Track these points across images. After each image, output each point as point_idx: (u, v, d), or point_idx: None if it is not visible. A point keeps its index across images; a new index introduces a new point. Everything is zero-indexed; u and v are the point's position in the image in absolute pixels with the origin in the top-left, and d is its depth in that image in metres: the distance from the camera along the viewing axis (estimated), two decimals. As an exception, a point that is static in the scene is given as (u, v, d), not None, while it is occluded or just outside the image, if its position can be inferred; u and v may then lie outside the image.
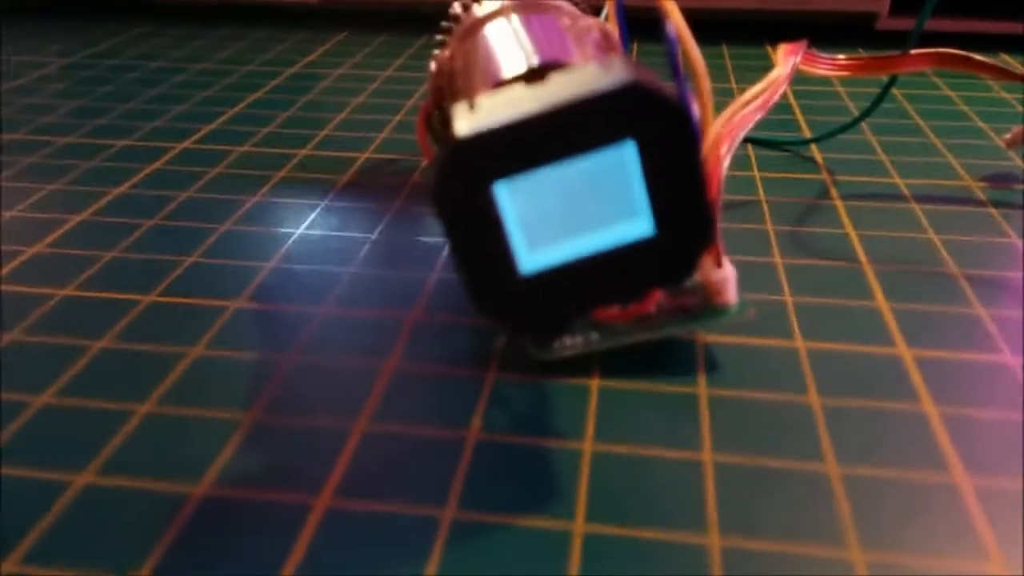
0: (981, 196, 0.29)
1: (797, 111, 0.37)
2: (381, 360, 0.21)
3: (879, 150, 0.33)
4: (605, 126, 0.16)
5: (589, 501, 0.17)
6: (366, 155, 0.33)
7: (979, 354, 0.21)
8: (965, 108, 0.37)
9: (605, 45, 0.22)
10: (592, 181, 0.17)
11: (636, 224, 0.17)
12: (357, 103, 0.39)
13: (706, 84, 0.19)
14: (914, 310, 0.23)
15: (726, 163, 0.21)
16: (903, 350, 0.21)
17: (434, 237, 0.27)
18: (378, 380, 0.21)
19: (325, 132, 0.35)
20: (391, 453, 0.18)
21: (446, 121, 0.24)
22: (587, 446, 0.18)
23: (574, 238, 0.18)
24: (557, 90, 0.16)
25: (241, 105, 0.39)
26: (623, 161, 0.17)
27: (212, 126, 0.36)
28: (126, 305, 0.24)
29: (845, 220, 0.28)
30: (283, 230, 0.27)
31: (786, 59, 0.24)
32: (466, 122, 0.16)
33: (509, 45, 0.21)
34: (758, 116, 0.23)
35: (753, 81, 0.41)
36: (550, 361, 0.21)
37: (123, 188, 0.31)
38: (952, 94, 0.39)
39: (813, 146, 0.33)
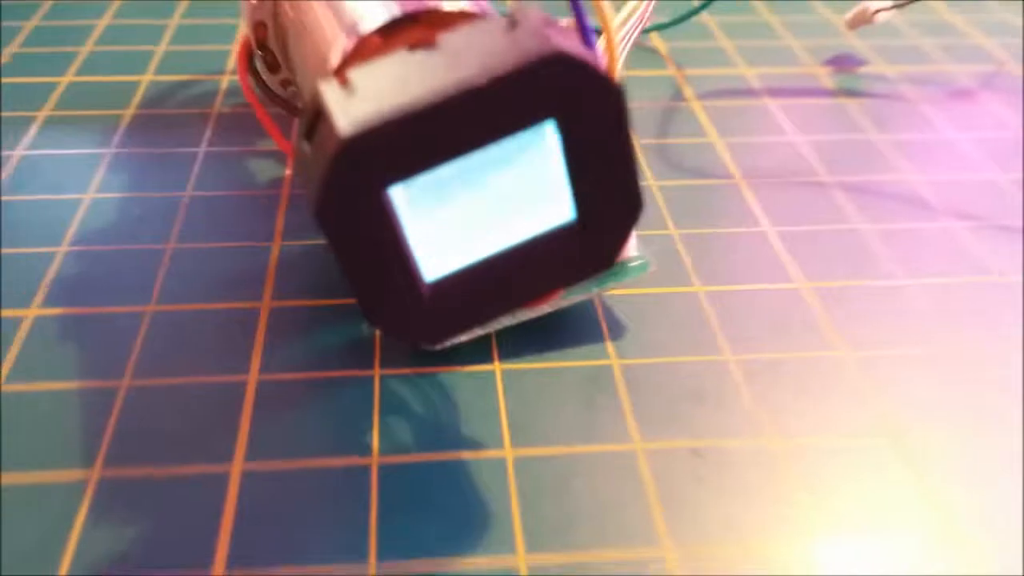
0: (828, 84, 0.28)
1: (623, -12, 0.34)
2: (239, 373, 0.18)
3: (720, 34, 0.31)
4: (522, 108, 0.13)
5: (525, 530, 0.15)
6: (148, 77, 0.27)
7: (873, 280, 0.20)
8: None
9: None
10: (503, 168, 0.14)
11: (554, 211, 0.15)
12: (115, 3, 0.32)
13: (613, 33, 0.16)
14: (797, 232, 0.22)
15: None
16: (802, 283, 0.20)
17: (263, 189, 0.23)
18: (243, 400, 0.17)
19: (88, 48, 0.29)
20: (281, 498, 0.15)
21: (274, 65, 0.19)
22: (508, 453, 0.16)
23: (483, 234, 0.15)
24: (456, 63, 0.13)
25: (-34, 14, 0.31)
26: (540, 143, 0.14)
27: (-67, 47, 0.29)
28: None
29: (707, 126, 0.26)
30: (63, 197, 0.22)
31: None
32: (347, 112, 0.13)
33: None
34: (635, 33, 0.20)
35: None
36: (441, 349, 0.18)
37: None
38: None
39: (655, 35, 0.31)
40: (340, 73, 0.15)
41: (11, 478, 0.15)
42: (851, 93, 0.28)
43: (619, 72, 0.18)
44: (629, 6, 0.20)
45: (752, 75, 0.29)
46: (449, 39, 0.13)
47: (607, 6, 0.15)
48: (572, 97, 0.13)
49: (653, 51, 0.30)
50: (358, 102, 0.13)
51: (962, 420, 0.17)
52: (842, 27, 0.30)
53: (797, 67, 0.29)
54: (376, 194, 0.13)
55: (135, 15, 0.31)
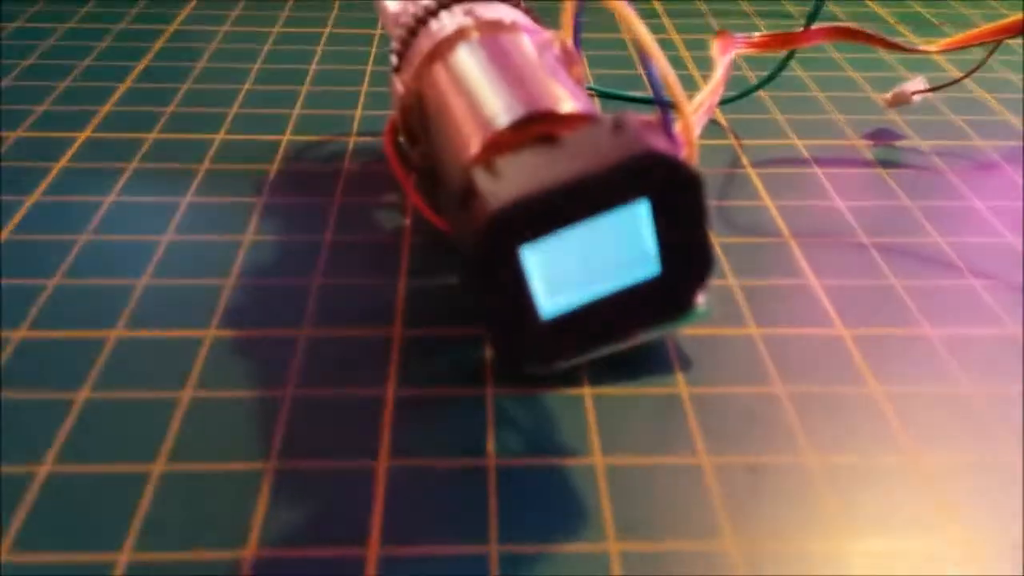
0: (868, 155, 0.32)
1: (692, 69, 0.39)
2: (378, 387, 0.22)
3: (774, 108, 0.35)
4: (623, 190, 0.17)
5: (614, 523, 0.19)
6: (287, 136, 0.32)
7: (902, 328, 0.24)
8: (850, 70, 0.40)
9: (566, 60, 0.23)
10: (605, 233, 0.18)
11: (642, 267, 0.19)
12: (258, 70, 0.37)
13: (690, 115, 0.20)
14: (840, 285, 0.26)
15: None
16: (841, 330, 0.24)
17: (389, 236, 0.27)
18: (384, 410, 0.21)
19: (235, 110, 0.34)
20: (419, 489, 0.20)
21: (414, 140, 0.24)
22: (598, 460, 0.20)
23: (588, 283, 0.19)
24: (574, 156, 0.17)
25: (129, 80, 0.36)
26: (635, 215, 0.18)
27: (107, 107, 0.34)
28: None
29: (761, 191, 0.30)
30: (226, 237, 0.27)
31: (720, 58, 0.26)
32: (494, 193, 0.17)
33: (489, 83, 0.21)
34: (705, 120, 0.24)
35: (690, 31, 0.43)
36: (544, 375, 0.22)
37: None
38: (839, 56, 0.42)
39: (716, 109, 0.35)
40: (480, 158, 0.19)
41: (207, 466, 0.20)
42: (888, 164, 0.32)
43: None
44: (698, 99, 0.24)
45: (802, 146, 0.33)
46: (570, 138, 0.18)
47: (685, 105, 0.20)
48: (661, 183, 0.17)
49: (716, 123, 0.34)
50: (503, 184, 0.17)
51: (971, 445, 0.21)
52: (883, 104, 0.34)
53: (842, 139, 0.33)
54: (512, 252, 0.17)
55: (269, 82, 0.36)
